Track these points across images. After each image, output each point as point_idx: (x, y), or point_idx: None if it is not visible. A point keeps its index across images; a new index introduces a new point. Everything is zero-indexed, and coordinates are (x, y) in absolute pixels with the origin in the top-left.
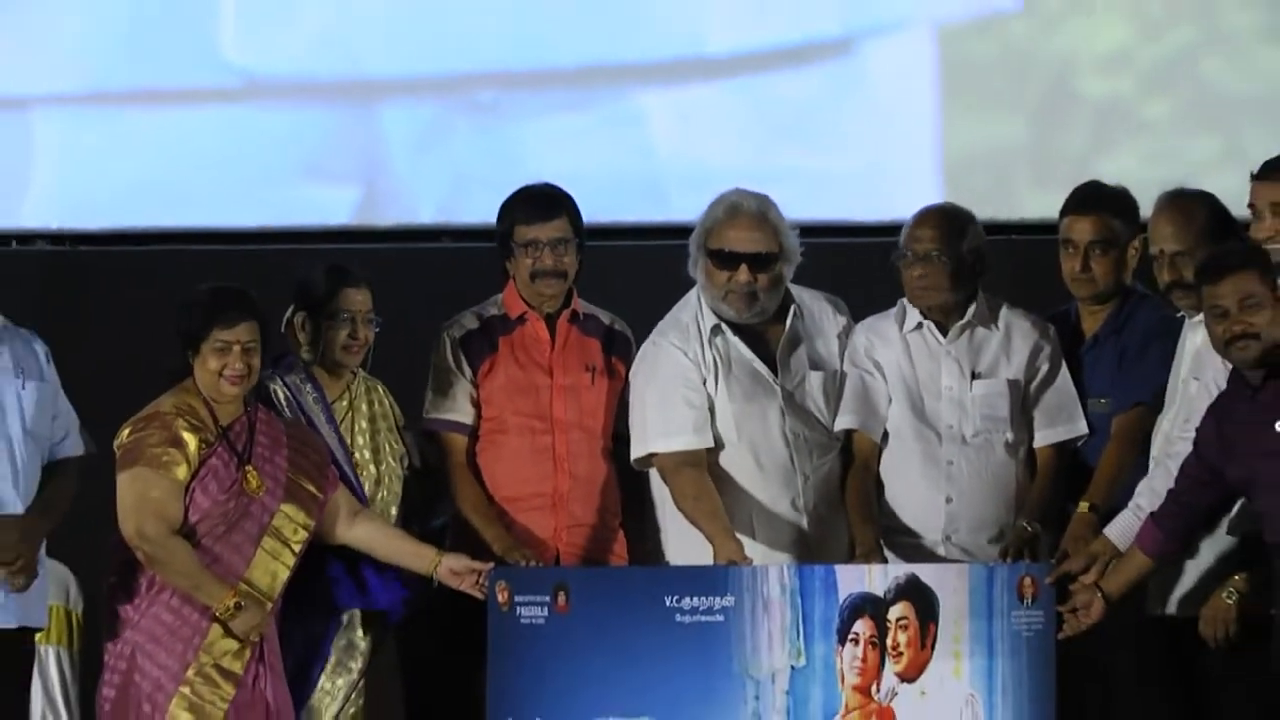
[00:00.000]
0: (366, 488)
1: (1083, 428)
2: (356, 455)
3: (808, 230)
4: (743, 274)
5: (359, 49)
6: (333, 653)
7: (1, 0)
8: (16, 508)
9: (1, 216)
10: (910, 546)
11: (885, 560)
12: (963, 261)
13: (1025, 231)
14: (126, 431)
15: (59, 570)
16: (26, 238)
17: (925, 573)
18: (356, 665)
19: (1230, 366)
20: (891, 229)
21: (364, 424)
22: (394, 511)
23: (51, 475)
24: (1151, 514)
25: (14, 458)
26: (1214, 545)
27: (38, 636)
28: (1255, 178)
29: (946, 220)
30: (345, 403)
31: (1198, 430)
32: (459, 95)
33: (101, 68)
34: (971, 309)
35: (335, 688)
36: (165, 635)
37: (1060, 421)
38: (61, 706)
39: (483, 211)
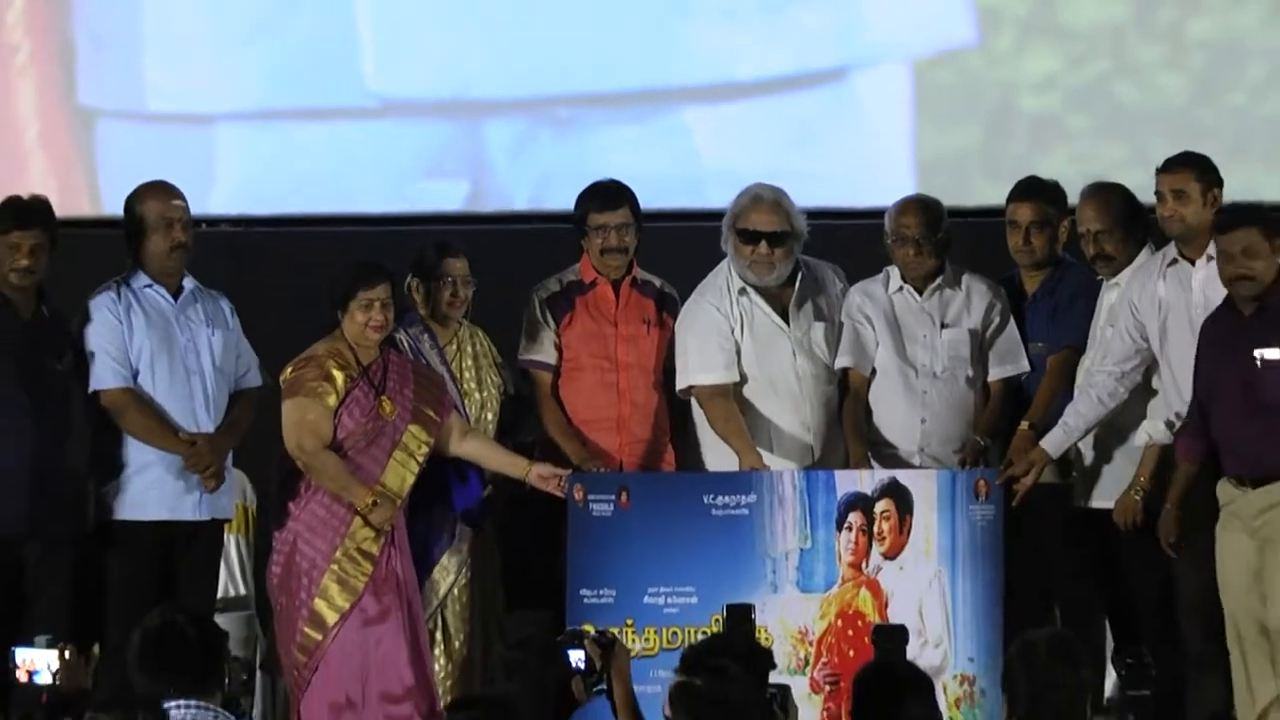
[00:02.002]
0: (472, 412)
1: (1025, 365)
2: (464, 387)
3: (812, 215)
4: (763, 248)
5: (468, 77)
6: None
7: (192, 41)
8: (208, 427)
9: (193, 205)
10: (892, 457)
11: (872, 467)
12: (938, 241)
13: (979, 215)
14: (289, 369)
15: (239, 476)
16: (213, 221)
17: (903, 476)
18: (465, 546)
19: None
20: (876, 214)
21: (469, 362)
22: (492, 430)
23: (236, 402)
24: (1179, 431)
25: (205, 389)
26: (1126, 452)
27: (225, 527)
28: (1159, 170)
29: (926, 209)
30: (454, 346)
31: (1196, 351)
32: (544, 112)
33: (270, 91)
34: (941, 275)
35: (450, 565)
36: (319, 525)
37: (1008, 361)
38: (240, 580)
39: (563, 201)
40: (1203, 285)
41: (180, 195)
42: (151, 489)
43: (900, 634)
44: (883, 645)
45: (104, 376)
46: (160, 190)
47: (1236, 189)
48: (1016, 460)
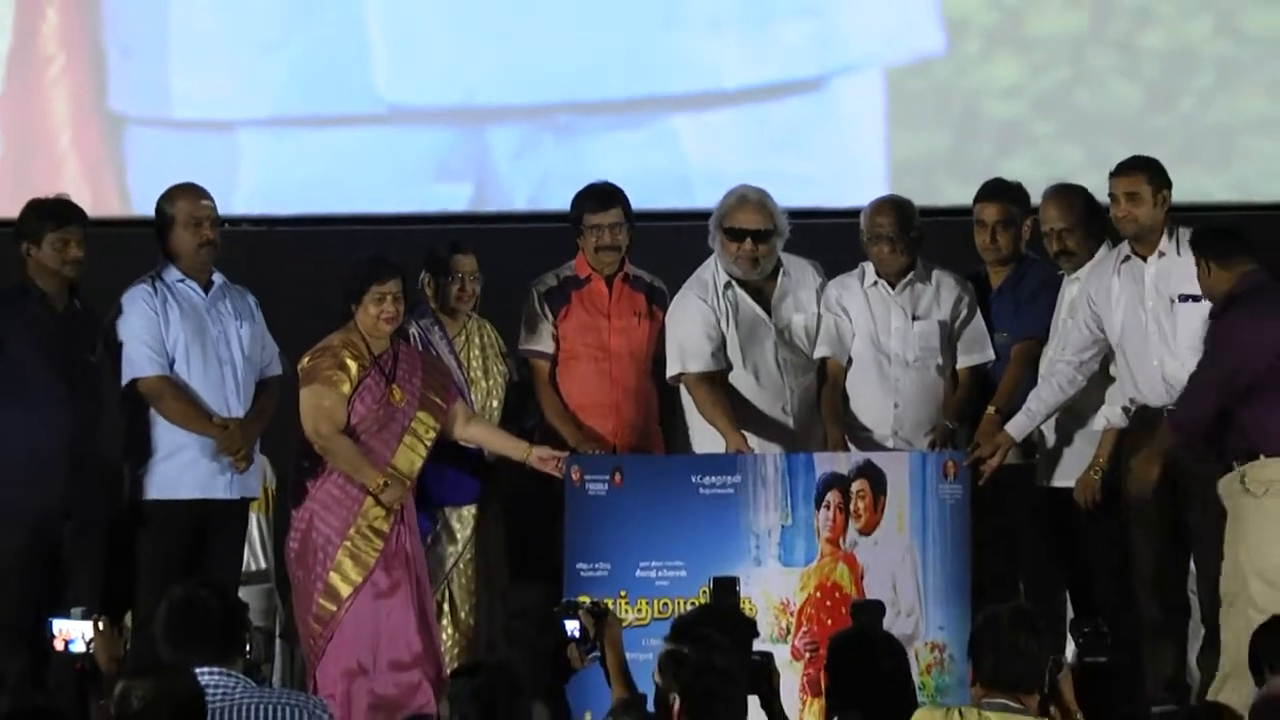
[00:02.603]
0: (477, 399)
1: (991, 355)
2: (470, 375)
3: (794, 214)
4: (748, 245)
5: (472, 86)
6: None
7: (215, 53)
8: (238, 413)
9: (218, 205)
10: (867, 440)
11: (849, 449)
12: (910, 239)
13: (948, 215)
14: (306, 359)
15: (261, 458)
16: (235, 221)
17: (877, 458)
18: (470, 523)
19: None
20: (853, 213)
21: (476, 352)
22: (497, 416)
23: (261, 390)
24: (1179, 405)
25: (236, 377)
26: (1085, 435)
27: (250, 505)
28: (1112, 175)
29: (899, 209)
30: (462, 338)
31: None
32: (544, 119)
33: (288, 99)
34: (913, 271)
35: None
36: (334, 504)
37: (975, 350)
38: (260, 555)
39: (561, 202)
40: (1154, 279)
41: (208, 196)
42: (186, 470)
43: (877, 608)
44: (860, 619)
45: (142, 365)
46: (190, 191)
47: (1185, 190)
48: (983, 443)
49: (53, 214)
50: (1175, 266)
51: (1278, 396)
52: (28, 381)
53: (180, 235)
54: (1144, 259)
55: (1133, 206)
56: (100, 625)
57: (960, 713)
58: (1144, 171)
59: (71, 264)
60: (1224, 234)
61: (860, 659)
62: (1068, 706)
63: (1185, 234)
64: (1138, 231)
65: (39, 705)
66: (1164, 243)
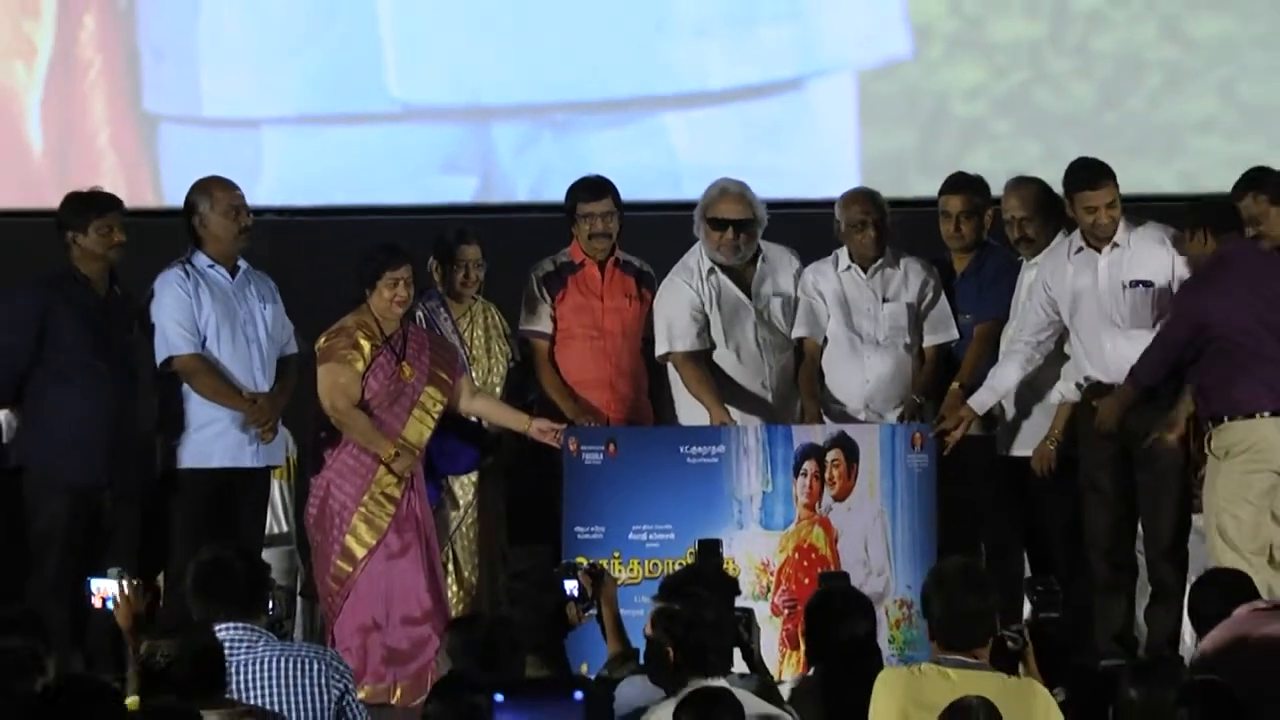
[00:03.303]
0: (478, 376)
1: (955, 334)
2: (473, 354)
3: (772, 205)
4: (730, 234)
5: (477, 87)
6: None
7: (240, 56)
8: (264, 388)
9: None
10: (841, 413)
11: (824, 422)
12: (882, 227)
13: (916, 206)
14: (323, 339)
15: (282, 430)
16: (260, 211)
17: (851, 429)
18: (472, 490)
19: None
20: (827, 204)
21: (479, 333)
22: (499, 391)
23: (282, 367)
24: (1142, 358)
25: (261, 355)
26: (1042, 409)
27: (274, 472)
28: (1085, 188)
29: (870, 199)
30: (467, 320)
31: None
32: (543, 116)
33: (308, 99)
34: (882, 257)
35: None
36: (349, 473)
37: (940, 330)
38: (283, 520)
39: (558, 194)
40: (1108, 266)
41: (239, 188)
42: (217, 441)
43: (842, 579)
44: (826, 587)
45: (177, 344)
46: (225, 183)
47: (1136, 182)
48: (948, 415)
49: (96, 203)
50: (1126, 254)
51: (1243, 363)
52: (72, 360)
53: (220, 223)
54: (1097, 249)
55: (1113, 212)
56: (125, 586)
57: (922, 670)
58: (1112, 178)
59: (116, 248)
60: (1226, 210)
61: (831, 619)
62: (1021, 656)
63: (1139, 226)
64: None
65: (82, 677)
66: (1120, 234)
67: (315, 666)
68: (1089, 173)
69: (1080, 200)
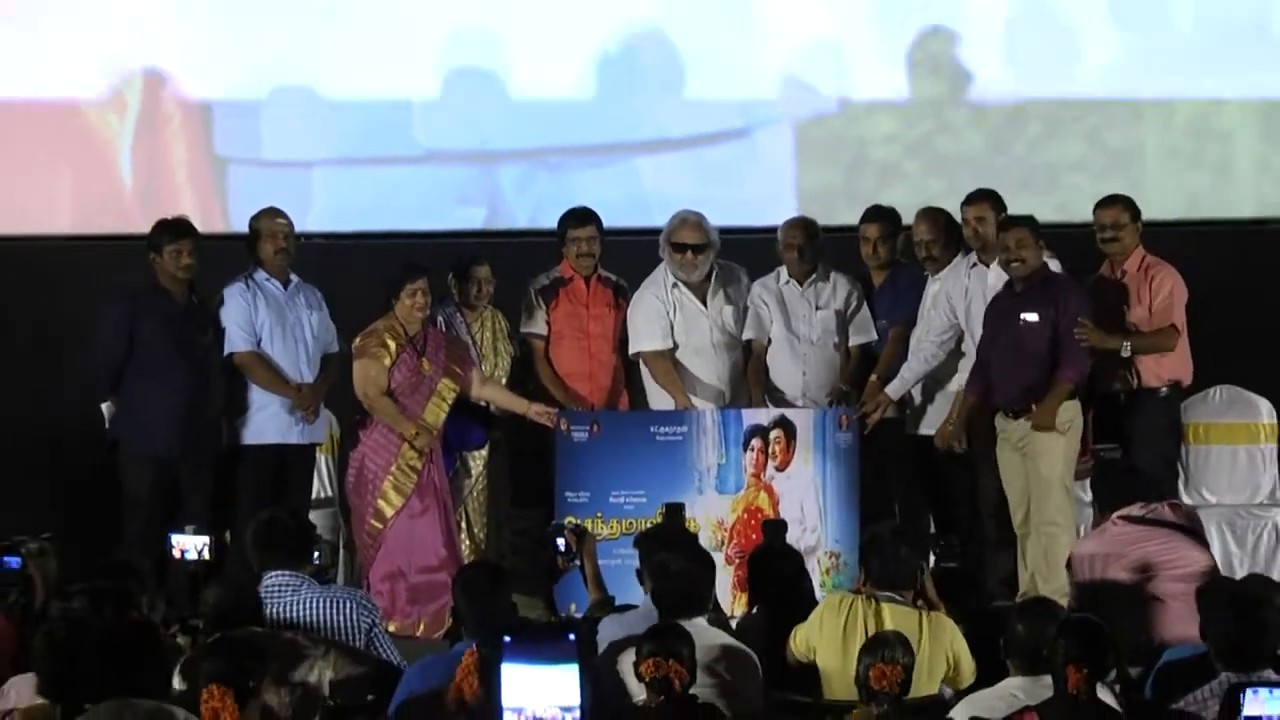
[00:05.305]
0: (488, 369)
1: (874, 336)
2: (484, 351)
3: (725, 231)
4: (689, 255)
5: (485, 134)
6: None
7: (295, 110)
8: (309, 379)
9: (296, 224)
10: (782, 400)
11: (768, 407)
12: (814, 248)
13: (842, 231)
14: (358, 339)
15: (328, 414)
16: (310, 236)
17: (790, 413)
18: (481, 462)
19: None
20: (770, 230)
21: (488, 335)
22: (504, 381)
23: (326, 363)
24: (969, 375)
25: (307, 353)
26: (944, 396)
27: (319, 448)
28: (963, 204)
29: (806, 226)
30: (478, 324)
31: (984, 318)
32: (539, 159)
33: (349, 144)
34: (816, 273)
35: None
36: (379, 448)
37: (862, 332)
38: (328, 485)
39: (552, 222)
40: (996, 280)
41: (285, 215)
42: (270, 421)
43: (781, 526)
44: (768, 532)
45: (237, 343)
46: (271, 213)
47: (1021, 211)
48: (868, 401)
49: (170, 230)
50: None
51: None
52: (155, 357)
53: (263, 246)
54: (987, 265)
55: (983, 226)
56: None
57: (862, 598)
58: (987, 200)
59: (184, 269)
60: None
61: (769, 566)
62: (931, 599)
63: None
64: (987, 248)
65: (118, 561)
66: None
67: (348, 605)
68: (971, 193)
69: (962, 212)
